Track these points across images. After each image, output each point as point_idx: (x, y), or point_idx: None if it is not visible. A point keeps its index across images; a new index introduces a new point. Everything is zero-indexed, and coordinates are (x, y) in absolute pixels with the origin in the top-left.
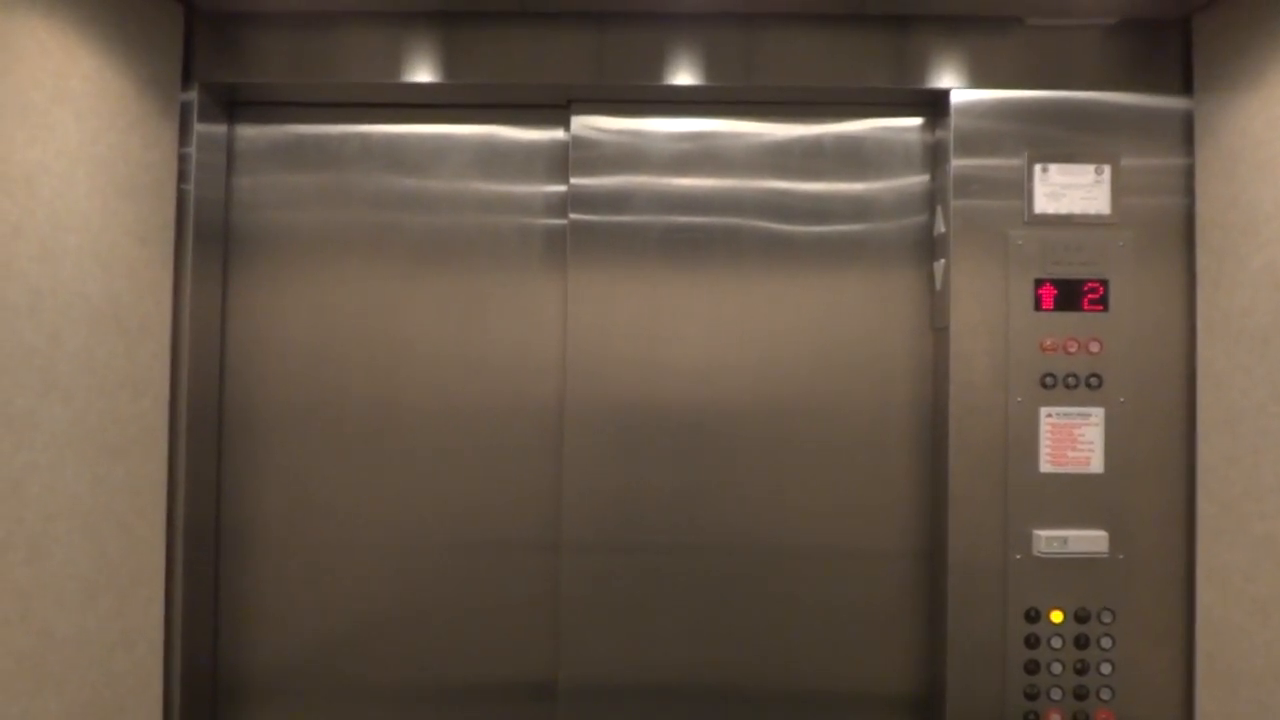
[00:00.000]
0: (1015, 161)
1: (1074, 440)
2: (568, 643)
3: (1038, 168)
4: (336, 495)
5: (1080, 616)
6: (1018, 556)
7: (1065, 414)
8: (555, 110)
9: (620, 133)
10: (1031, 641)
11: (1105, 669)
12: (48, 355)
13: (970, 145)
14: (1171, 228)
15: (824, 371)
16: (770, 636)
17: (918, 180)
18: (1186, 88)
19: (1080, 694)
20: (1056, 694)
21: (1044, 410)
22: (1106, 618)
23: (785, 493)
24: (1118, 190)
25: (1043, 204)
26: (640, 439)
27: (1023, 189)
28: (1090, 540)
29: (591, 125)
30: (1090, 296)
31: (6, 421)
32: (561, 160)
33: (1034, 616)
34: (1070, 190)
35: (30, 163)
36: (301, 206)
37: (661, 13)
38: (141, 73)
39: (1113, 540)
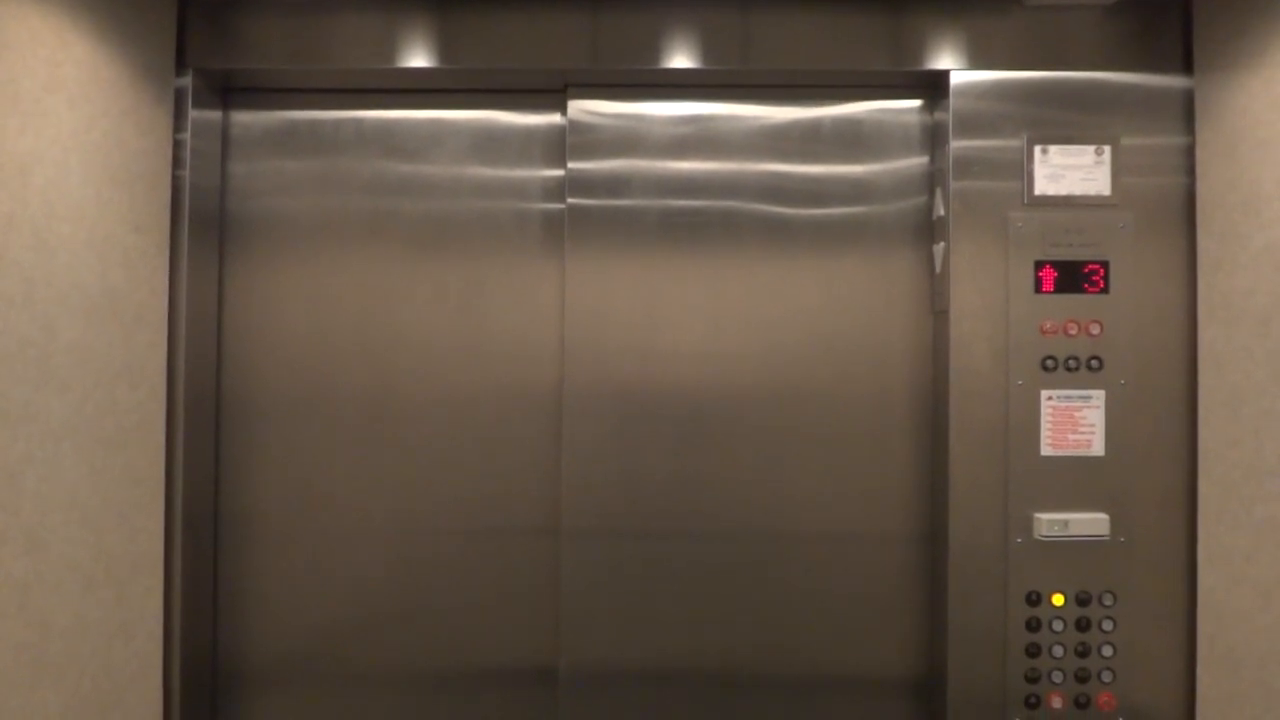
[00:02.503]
0: (1015, 143)
1: (1075, 423)
2: (568, 628)
3: (1037, 149)
4: (335, 483)
5: (1081, 599)
6: (1019, 540)
7: (1066, 397)
8: (552, 95)
9: (617, 116)
10: (1033, 625)
11: (1106, 652)
12: (43, 346)
13: (969, 127)
14: (1172, 208)
15: (823, 356)
16: (771, 621)
17: (917, 162)
18: (1187, 67)
19: (1081, 677)
20: (1058, 677)
21: (1045, 393)
22: (1108, 600)
23: (785, 478)
24: (1118, 171)
25: (1043, 185)
26: (639, 424)
27: (1022, 170)
28: (1091, 523)
29: (588, 109)
30: (1091, 278)
31: (2, 413)
32: (559, 145)
33: (1035, 600)
34: (1070, 171)
35: (23, 151)
36: (297, 193)
37: None
38: (135, 59)
39: (1114, 523)
